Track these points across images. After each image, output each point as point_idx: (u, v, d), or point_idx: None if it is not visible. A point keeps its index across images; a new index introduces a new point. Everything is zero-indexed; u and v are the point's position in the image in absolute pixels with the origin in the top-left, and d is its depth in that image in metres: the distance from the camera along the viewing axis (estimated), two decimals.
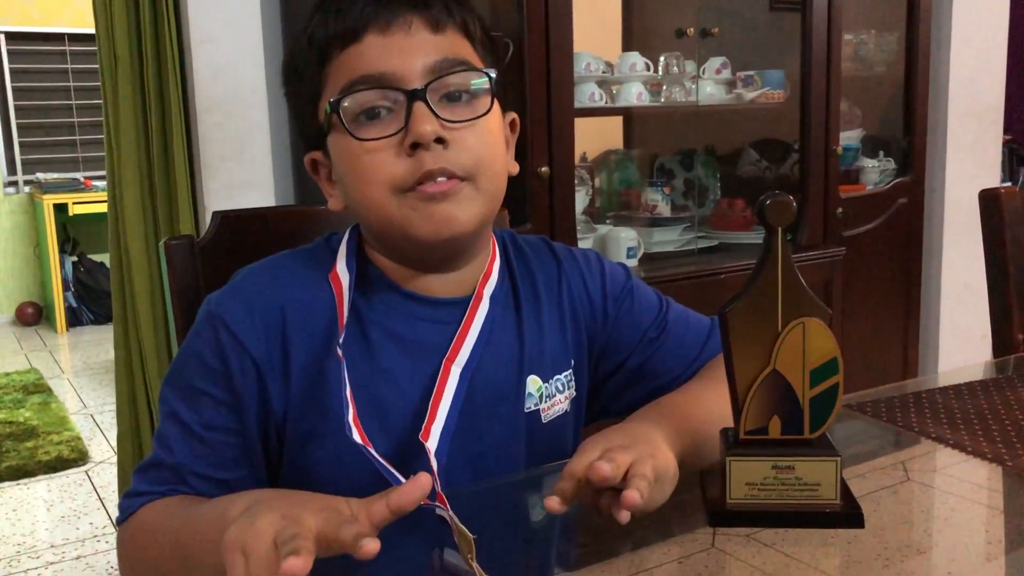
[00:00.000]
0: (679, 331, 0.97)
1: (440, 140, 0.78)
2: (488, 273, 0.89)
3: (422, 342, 0.85)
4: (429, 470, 0.77)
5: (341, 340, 0.80)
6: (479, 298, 0.87)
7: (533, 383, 0.89)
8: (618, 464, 0.68)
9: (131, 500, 0.80)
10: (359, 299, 0.85)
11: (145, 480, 0.80)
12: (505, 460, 0.87)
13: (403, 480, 0.71)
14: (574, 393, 0.94)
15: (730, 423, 0.75)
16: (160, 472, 0.80)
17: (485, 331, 0.86)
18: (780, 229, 0.71)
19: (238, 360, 0.80)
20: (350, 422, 0.76)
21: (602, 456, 0.69)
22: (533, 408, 0.89)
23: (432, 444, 0.78)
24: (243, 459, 0.81)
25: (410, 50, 0.79)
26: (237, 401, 0.80)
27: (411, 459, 0.79)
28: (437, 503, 0.71)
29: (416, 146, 0.78)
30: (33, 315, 5.31)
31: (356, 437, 0.75)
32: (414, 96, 0.78)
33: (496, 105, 0.83)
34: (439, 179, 0.78)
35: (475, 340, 0.85)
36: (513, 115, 0.91)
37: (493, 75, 0.83)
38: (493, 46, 0.87)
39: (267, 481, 0.84)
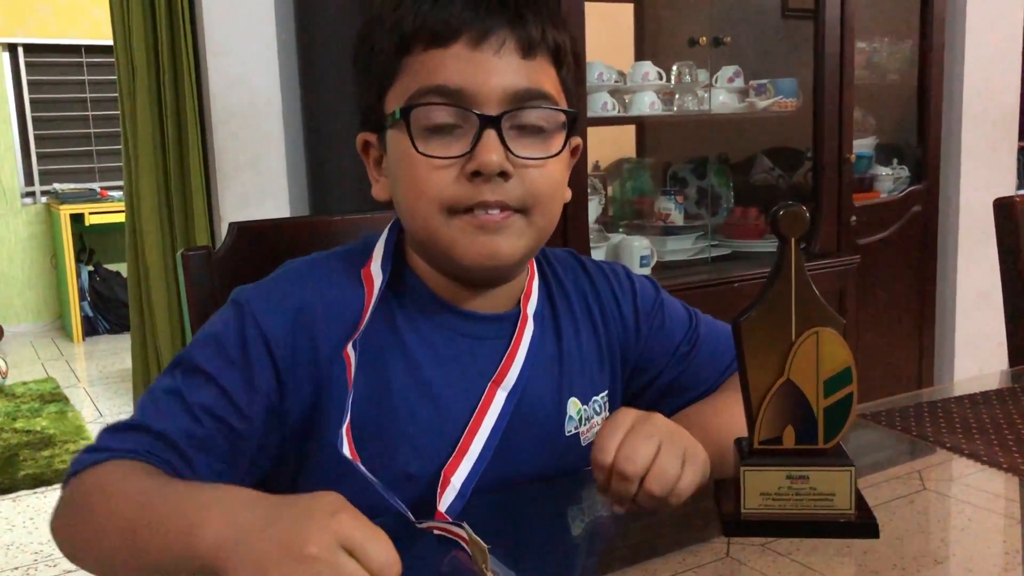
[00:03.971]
0: (711, 343, 0.95)
1: (503, 173, 0.75)
2: (528, 291, 0.87)
3: (461, 358, 0.83)
4: (452, 500, 0.76)
5: (356, 336, 0.77)
6: (525, 318, 0.85)
7: (573, 405, 0.88)
8: (637, 459, 0.71)
9: (91, 455, 0.72)
10: (397, 309, 0.83)
11: (116, 439, 0.74)
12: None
13: (397, 502, 0.71)
14: (608, 414, 0.92)
15: None
16: (138, 434, 0.74)
17: (532, 352, 0.84)
18: (793, 239, 0.71)
19: (260, 355, 0.77)
20: (343, 432, 0.74)
21: (623, 443, 0.72)
22: (573, 431, 0.88)
23: (459, 478, 0.77)
24: (228, 454, 0.76)
25: (495, 72, 0.76)
26: (248, 394, 0.76)
27: (436, 483, 0.78)
28: (445, 533, 0.71)
29: (477, 173, 0.75)
30: None
31: (345, 450, 0.73)
32: (487, 122, 0.75)
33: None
34: (492, 212, 0.76)
35: (522, 362, 0.83)
36: (577, 140, 0.86)
37: (575, 114, 0.80)
38: (579, 69, 0.84)
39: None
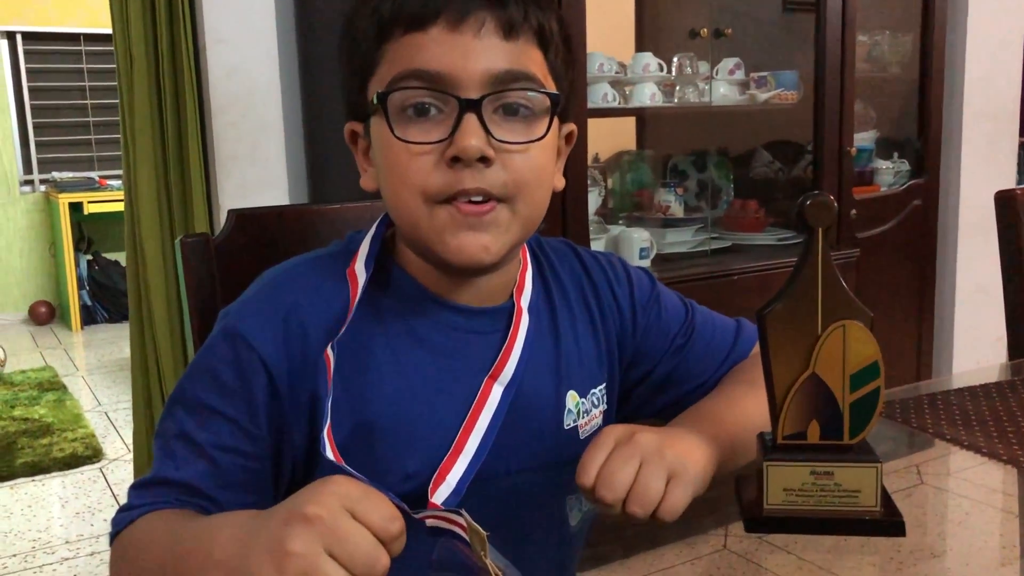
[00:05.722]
0: (707, 336, 0.94)
1: (484, 159, 0.73)
2: (521, 284, 0.85)
3: (454, 353, 0.81)
4: (447, 496, 0.75)
5: (337, 338, 0.76)
6: (519, 311, 0.83)
7: (571, 398, 0.87)
8: (615, 485, 0.69)
9: (126, 514, 0.74)
10: (386, 306, 0.81)
11: (143, 496, 0.75)
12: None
13: (390, 495, 0.70)
14: (606, 406, 0.91)
15: (766, 426, 0.73)
16: (162, 488, 0.75)
17: (528, 345, 0.83)
18: (820, 230, 0.69)
19: (258, 376, 0.76)
20: (323, 436, 0.72)
21: (603, 466, 0.69)
22: (572, 425, 0.87)
23: (455, 476, 0.76)
24: (251, 483, 0.77)
25: (475, 53, 0.73)
26: (254, 419, 0.76)
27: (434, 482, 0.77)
28: (443, 522, 0.70)
29: (457, 159, 0.73)
30: (46, 314, 5.35)
31: (328, 452, 0.72)
32: (467, 106, 0.73)
33: (554, 123, 0.78)
34: (474, 199, 0.74)
35: (519, 356, 0.81)
36: (571, 127, 0.85)
37: (558, 96, 0.77)
38: (568, 52, 0.81)
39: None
